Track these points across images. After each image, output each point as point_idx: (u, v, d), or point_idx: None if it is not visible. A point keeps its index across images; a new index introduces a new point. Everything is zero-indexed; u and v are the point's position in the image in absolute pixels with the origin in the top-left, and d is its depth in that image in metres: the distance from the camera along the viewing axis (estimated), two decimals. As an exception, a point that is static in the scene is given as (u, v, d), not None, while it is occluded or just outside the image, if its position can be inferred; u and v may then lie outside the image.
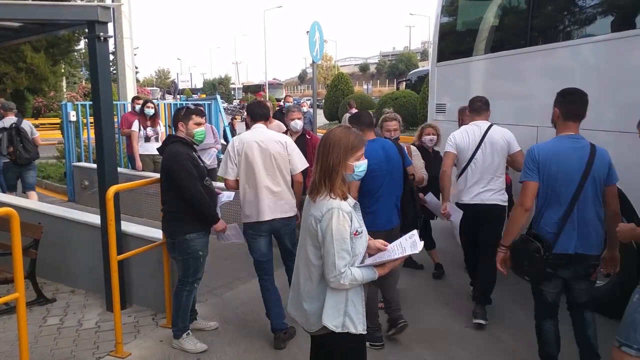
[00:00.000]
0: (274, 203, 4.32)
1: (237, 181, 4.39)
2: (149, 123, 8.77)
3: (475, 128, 4.85)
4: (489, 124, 4.88)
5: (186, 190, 4.09)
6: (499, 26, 6.58)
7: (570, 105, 3.47)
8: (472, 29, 7.09)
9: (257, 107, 4.58)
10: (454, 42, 7.61)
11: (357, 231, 2.57)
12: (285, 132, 6.14)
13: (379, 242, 2.73)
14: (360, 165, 2.66)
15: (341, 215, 2.50)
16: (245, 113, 4.81)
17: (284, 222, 4.38)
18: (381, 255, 2.66)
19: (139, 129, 8.70)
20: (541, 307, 3.66)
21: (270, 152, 4.32)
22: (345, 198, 2.60)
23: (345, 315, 2.59)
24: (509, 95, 6.20)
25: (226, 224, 4.37)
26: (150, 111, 8.73)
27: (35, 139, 8.07)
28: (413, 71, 30.91)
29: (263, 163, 4.30)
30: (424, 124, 6.17)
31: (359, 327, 2.63)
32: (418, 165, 5.27)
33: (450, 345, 4.33)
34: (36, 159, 8.18)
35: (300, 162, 4.49)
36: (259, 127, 4.46)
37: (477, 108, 4.93)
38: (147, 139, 8.77)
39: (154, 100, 9.50)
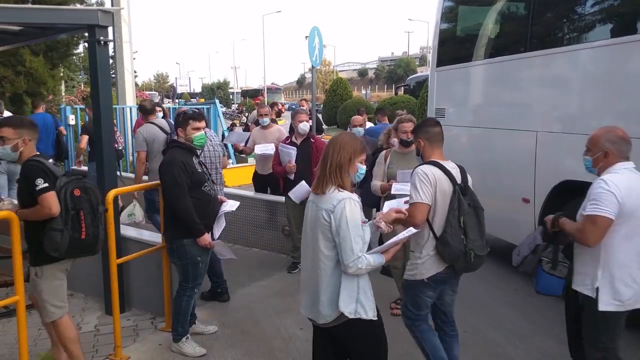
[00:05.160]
0: None
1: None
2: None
3: None
4: None
5: (170, 200, 4.11)
6: (498, 32, 6.61)
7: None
8: (471, 34, 7.12)
9: None
10: (454, 47, 7.63)
11: (364, 220, 2.78)
12: (291, 135, 6.17)
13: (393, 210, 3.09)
14: (362, 168, 2.91)
15: (353, 204, 2.74)
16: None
17: None
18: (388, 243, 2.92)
19: None
20: None
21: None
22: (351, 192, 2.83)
23: (357, 302, 2.78)
24: (508, 100, 6.22)
25: (210, 240, 4.21)
26: (160, 114, 8.70)
27: None
28: (411, 76, 30.96)
29: None
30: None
31: (369, 312, 2.82)
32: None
33: (449, 350, 4.31)
34: None
35: None
36: None
37: None
38: None
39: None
